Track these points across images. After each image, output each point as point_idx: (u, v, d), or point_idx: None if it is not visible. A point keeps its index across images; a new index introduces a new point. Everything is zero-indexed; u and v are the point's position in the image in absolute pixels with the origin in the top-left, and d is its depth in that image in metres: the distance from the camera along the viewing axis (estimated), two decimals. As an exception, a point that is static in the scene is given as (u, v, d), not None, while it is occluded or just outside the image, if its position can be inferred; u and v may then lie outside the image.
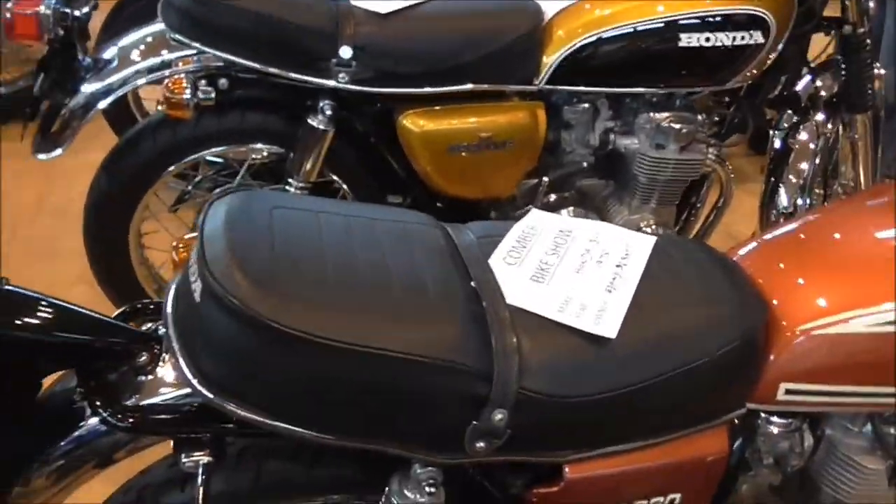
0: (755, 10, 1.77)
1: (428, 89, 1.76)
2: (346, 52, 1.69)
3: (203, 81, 1.71)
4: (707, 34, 1.76)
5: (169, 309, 0.95)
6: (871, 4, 1.91)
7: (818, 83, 2.05)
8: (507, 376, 0.89)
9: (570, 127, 1.89)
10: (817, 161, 2.05)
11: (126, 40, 1.85)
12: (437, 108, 1.79)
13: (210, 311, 0.87)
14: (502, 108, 1.82)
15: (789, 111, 2.08)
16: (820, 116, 2.05)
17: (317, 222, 1.00)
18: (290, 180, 1.84)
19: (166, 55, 1.78)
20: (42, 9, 1.71)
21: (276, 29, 1.68)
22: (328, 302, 0.89)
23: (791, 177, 2.06)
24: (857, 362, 1.04)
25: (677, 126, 1.86)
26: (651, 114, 1.87)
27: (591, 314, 0.97)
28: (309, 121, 1.77)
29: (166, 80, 1.69)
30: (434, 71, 1.75)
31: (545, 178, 1.92)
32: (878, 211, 1.20)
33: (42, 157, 1.81)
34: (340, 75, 1.71)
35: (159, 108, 1.80)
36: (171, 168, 1.88)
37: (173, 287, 0.97)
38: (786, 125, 2.09)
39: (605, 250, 1.08)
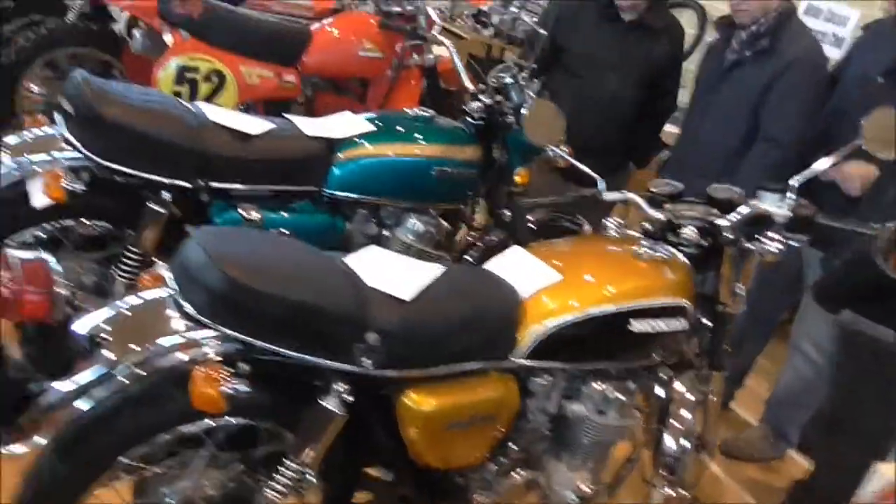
0: (681, 302, 2.11)
1: (437, 369, 1.82)
2: (372, 337, 1.70)
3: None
4: (652, 322, 2.05)
5: None
6: (741, 293, 2.37)
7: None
8: None
9: (533, 396, 2.04)
10: (696, 410, 2.41)
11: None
12: (437, 385, 1.84)
13: None
14: (487, 383, 1.92)
15: (664, 366, 2.44)
16: (690, 372, 2.43)
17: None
18: (288, 462, 1.74)
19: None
20: None
21: (306, 314, 1.65)
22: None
23: (675, 423, 2.40)
24: None
25: (620, 396, 2.10)
26: (594, 384, 2.10)
27: None
28: (322, 402, 1.72)
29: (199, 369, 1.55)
30: (442, 353, 1.82)
31: (512, 445, 2.03)
32: None
33: None
34: (364, 360, 1.70)
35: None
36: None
37: None
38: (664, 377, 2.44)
39: None
